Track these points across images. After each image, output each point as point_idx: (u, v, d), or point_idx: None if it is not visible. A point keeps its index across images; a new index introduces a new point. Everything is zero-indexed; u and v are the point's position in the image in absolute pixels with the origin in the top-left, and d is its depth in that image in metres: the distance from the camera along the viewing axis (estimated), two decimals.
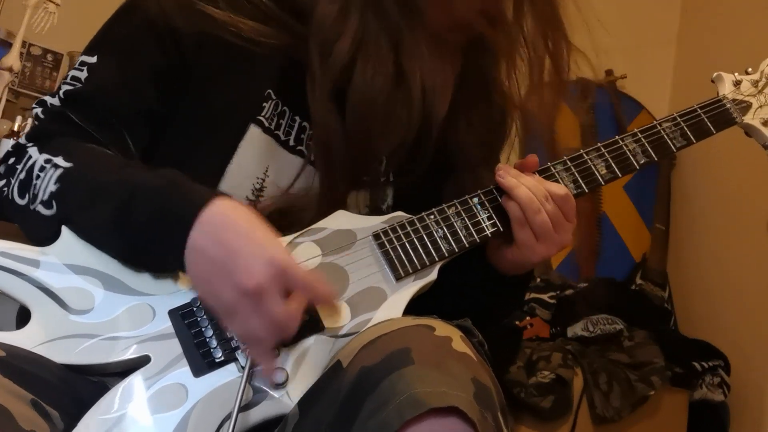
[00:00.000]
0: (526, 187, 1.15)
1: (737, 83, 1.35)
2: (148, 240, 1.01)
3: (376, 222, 1.13)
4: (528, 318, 3.21)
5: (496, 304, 1.29)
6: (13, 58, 2.81)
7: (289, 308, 0.95)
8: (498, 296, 1.27)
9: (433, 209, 1.15)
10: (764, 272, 3.15)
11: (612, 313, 3.14)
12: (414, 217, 1.14)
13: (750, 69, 1.38)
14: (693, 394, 3.02)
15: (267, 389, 0.99)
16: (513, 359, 2.83)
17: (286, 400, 0.98)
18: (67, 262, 1.04)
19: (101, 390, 0.97)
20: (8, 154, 1.14)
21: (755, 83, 1.36)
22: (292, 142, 1.21)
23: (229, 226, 0.97)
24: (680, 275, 3.66)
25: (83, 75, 1.15)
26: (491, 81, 1.31)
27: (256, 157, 1.18)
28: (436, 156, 1.23)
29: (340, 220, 1.13)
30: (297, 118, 1.21)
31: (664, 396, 2.94)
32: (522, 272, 1.23)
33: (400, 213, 1.15)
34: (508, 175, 1.17)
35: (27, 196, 1.09)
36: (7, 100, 2.95)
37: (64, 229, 1.06)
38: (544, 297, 3.29)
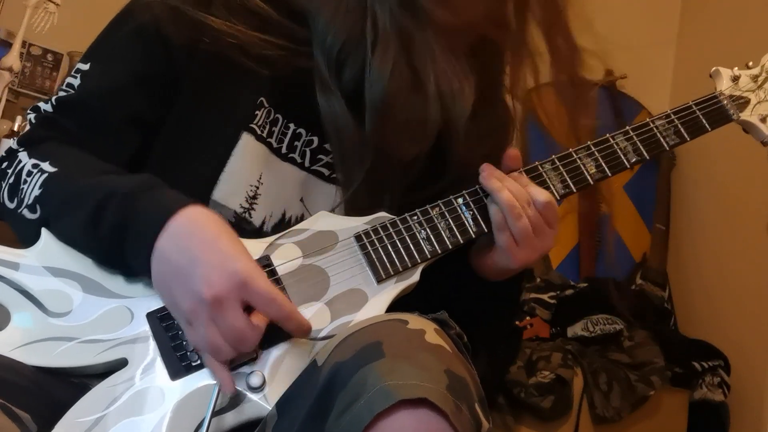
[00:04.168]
0: (509, 190, 1.13)
1: (735, 78, 1.32)
2: (117, 245, 1.02)
3: (359, 223, 1.12)
4: (528, 318, 3.20)
5: (484, 309, 1.27)
6: (13, 58, 2.82)
7: (250, 322, 0.96)
8: (484, 301, 1.25)
9: (416, 210, 1.14)
10: (764, 272, 3.14)
11: (612, 313, 3.13)
12: (396, 218, 1.13)
13: (751, 63, 1.35)
14: (693, 394, 3.02)
15: (244, 392, 0.99)
16: (513, 359, 2.82)
17: (263, 403, 0.98)
18: (46, 264, 1.04)
19: (80, 391, 0.97)
20: (1, 160, 1.15)
21: (755, 78, 1.33)
22: (284, 150, 1.20)
23: (195, 234, 0.98)
24: (680, 275, 3.65)
25: (76, 82, 1.16)
26: (497, 87, 1.31)
27: (249, 165, 1.17)
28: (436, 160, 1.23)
29: (321, 221, 1.12)
30: (291, 125, 1.20)
31: (664, 396, 2.94)
32: (503, 278, 1.21)
33: (382, 214, 1.14)
34: (492, 177, 1.15)
35: (15, 199, 1.10)
36: (7, 100, 2.96)
37: (44, 231, 1.07)
38: (544, 297, 3.29)
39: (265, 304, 0.97)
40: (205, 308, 0.94)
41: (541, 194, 1.14)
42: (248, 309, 0.97)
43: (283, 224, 1.16)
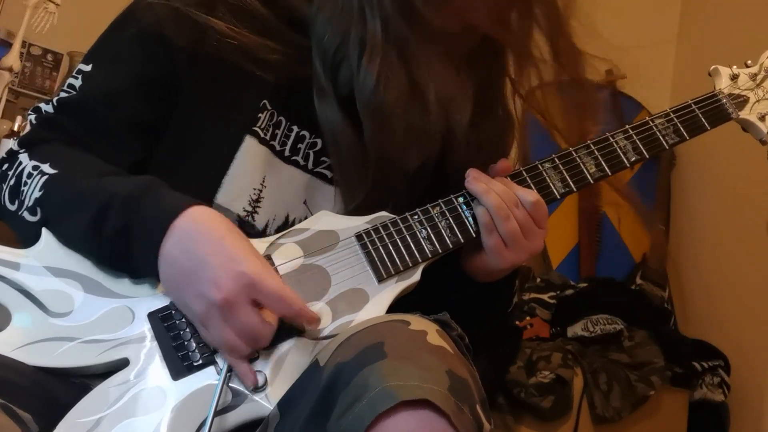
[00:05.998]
0: (495, 192, 1.13)
1: (734, 77, 1.33)
2: (122, 249, 1.02)
3: (360, 222, 1.13)
4: (528, 318, 3.20)
5: (482, 309, 1.27)
6: (13, 58, 2.82)
7: (262, 320, 0.97)
8: (476, 302, 1.25)
9: (417, 209, 1.14)
10: (764, 272, 3.14)
11: (612, 313, 3.13)
12: (397, 217, 1.13)
13: (749, 62, 1.36)
14: (693, 394, 3.02)
15: (246, 392, 0.99)
16: (513, 359, 2.82)
17: (265, 402, 0.98)
18: (47, 264, 1.04)
19: (81, 391, 0.97)
20: (2, 161, 1.15)
21: (753, 77, 1.34)
22: (287, 153, 1.20)
23: (200, 236, 0.99)
24: (680, 275, 3.65)
25: (78, 83, 1.16)
26: (497, 91, 1.30)
27: (252, 168, 1.17)
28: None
29: (323, 220, 1.13)
30: (294, 127, 1.20)
31: (664, 396, 2.93)
32: (494, 279, 1.21)
33: (383, 213, 1.14)
34: (478, 180, 1.15)
35: (16, 202, 1.10)
36: (7, 100, 2.96)
37: (44, 231, 1.06)
38: (544, 297, 3.29)
39: (275, 303, 0.98)
40: (216, 311, 0.96)
41: (529, 195, 1.15)
42: (259, 304, 0.98)
43: (286, 228, 1.15)
